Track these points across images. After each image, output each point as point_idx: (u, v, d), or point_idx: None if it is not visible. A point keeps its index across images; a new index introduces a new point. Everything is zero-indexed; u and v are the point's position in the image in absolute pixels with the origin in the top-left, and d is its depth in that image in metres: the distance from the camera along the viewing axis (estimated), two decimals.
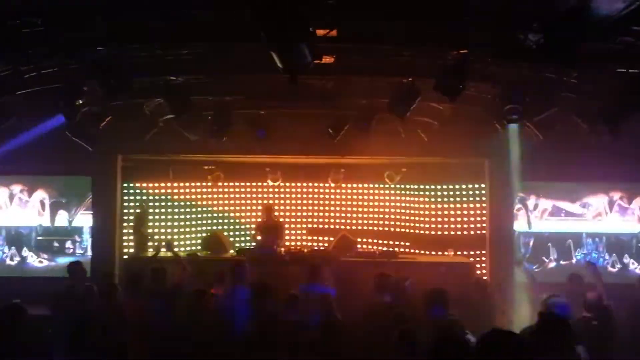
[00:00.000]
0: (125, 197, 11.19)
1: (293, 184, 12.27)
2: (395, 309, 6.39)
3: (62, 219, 10.70)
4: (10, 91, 7.07)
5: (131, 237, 10.87)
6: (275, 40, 3.71)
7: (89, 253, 10.57)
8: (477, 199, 11.11)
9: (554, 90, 6.77)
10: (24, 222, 10.68)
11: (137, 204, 11.29)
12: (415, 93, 6.38)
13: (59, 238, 10.68)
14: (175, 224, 11.67)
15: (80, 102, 6.97)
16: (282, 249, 10.23)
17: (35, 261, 10.62)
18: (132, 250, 10.76)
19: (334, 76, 6.85)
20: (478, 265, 10.65)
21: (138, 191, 11.44)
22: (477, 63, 5.94)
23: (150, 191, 11.55)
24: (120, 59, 5.77)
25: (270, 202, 11.95)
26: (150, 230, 11.01)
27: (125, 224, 11.00)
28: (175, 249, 8.80)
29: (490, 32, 5.34)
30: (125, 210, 11.14)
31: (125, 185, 11.09)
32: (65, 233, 10.70)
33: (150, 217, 11.24)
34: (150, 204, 11.45)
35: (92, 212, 10.51)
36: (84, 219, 10.68)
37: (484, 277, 9.79)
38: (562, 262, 10.59)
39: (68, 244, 10.65)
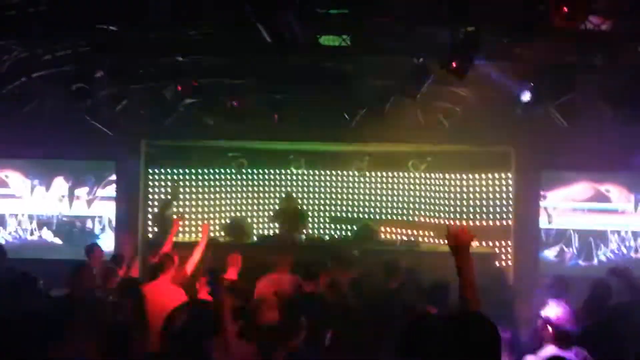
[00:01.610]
0: (150, 182, 11.31)
1: (317, 172, 12.20)
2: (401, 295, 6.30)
3: (80, 204, 10.79)
4: (27, 73, 7.20)
5: (155, 222, 11.02)
6: (259, 11, 3.62)
7: (110, 236, 10.68)
8: (503, 188, 10.83)
9: (575, 73, 6.48)
10: (44, 211, 10.81)
11: (166, 188, 11.41)
12: (426, 74, 6.20)
13: (79, 221, 10.80)
14: (199, 209, 11.75)
15: (95, 85, 7.02)
16: (303, 237, 10.19)
17: (55, 239, 10.79)
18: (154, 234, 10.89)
19: (344, 57, 6.71)
20: (503, 257, 10.40)
21: (162, 176, 11.55)
22: (489, 42, 5.72)
23: (175, 177, 11.65)
24: (125, 41, 5.78)
25: (294, 189, 11.93)
26: (175, 216, 11.08)
27: (149, 209, 11.13)
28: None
29: (501, 8, 5.14)
30: (150, 196, 11.26)
31: (149, 170, 11.21)
32: (82, 218, 10.80)
33: (175, 202, 11.33)
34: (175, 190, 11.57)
35: (115, 196, 10.61)
36: (104, 206, 10.74)
37: (506, 269, 9.52)
38: (581, 263, 10.19)
39: (88, 226, 10.77)
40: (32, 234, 10.73)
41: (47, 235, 10.71)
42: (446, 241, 3.53)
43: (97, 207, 10.73)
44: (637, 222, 9.95)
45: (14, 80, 7.32)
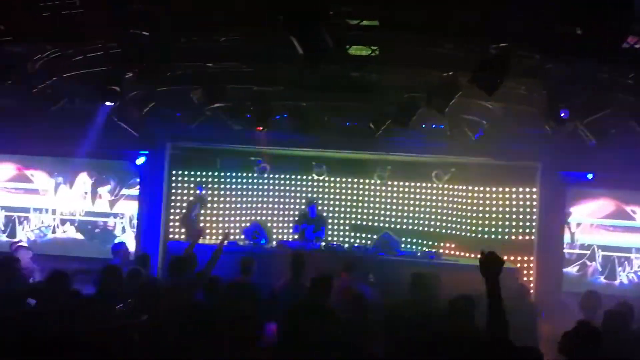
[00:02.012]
0: (173, 184, 11.39)
1: (338, 179, 12.18)
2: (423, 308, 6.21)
3: (103, 202, 10.90)
4: (58, 74, 7.29)
5: (177, 224, 11.10)
6: (292, 23, 3.62)
7: (130, 235, 10.74)
8: (527, 203, 10.69)
9: (608, 90, 6.38)
10: (68, 209, 10.94)
11: (189, 190, 11.48)
12: (455, 87, 6.14)
13: (101, 220, 10.89)
14: (221, 212, 11.81)
15: (123, 86, 7.08)
16: (322, 244, 10.15)
17: (77, 237, 10.88)
18: (177, 236, 10.96)
19: (374, 68, 6.69)
20: (525, 272, 10.27)
21: (186, 178, 11.63)
22: (523, 58, 5.67)
23: (198, 179, 11.72)
24: (157, 44, 5.81)
25: (315, 196, 11.93)
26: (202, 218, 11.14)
27: (172, 211, 11.20)
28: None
29: (533, 25, 5.07)
30: (173, 197, 11.34)
31: (173, 172, 11.28)
32: (105, 217, 10.91)
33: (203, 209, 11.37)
34: (197, 192, 11.62)
35: (138, 197, 10.70)
36: (126, 205, 10.84)
37: (525, 284, 9.36)
38: (602, 280, 9.99)
39: (110, 225, 10.87)
40: (54, 231, 10.86)
41: (70, 232, 10.82)
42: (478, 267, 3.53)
43: (120, 207, 10.84)
44: None
45: (45, 79, 7.42)
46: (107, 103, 7.03)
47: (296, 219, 11.05)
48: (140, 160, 10.42)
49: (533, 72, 6.09)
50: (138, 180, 10.74)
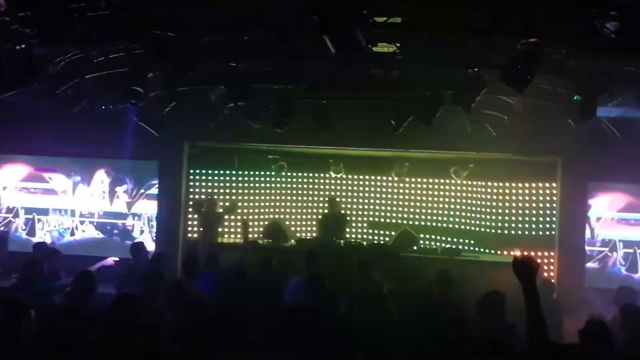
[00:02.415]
0: (191, 183, 11.41)
1: (355, 176, 12.15)
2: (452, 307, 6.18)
3: (120, 203, 10.95)
4: (80, 75, 7.31)
5: (196, 222, 11.11)
6: (327, 23, 3.60)
7: (148, 236, 10.76)
8: (547, 198, 10.63)
9: (633, 84, 6.32)
10: (87, 208, 10.99)
11: (203, 191, 11.50)
12: (481, 84, 6.11)
13: (119, 221, 10.94)
14: (239, 211, 11.81)
15: (146, 86, 7.09)
16: (342, 241, 10.12)
17: (96, 234, 10.94)
18: (196, 235, 10.97)
19: (398, 66, 6.65)
20: (545, 267, 10.22)
21: (204, 177, 11.64)
22: (550, 54, 5.61)
23: (216, 178, 11.73)
24: (181, 44, 5.81)
25: (333, 194, 11.91)
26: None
27: (190, 209, 11.22)
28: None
29: (564, 21, 5.02)
30: (191, 196, 11.36)
31: (191, 171, 11.30)
32: (123, 217, 10.96)
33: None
34: (215, 190, 11.64)
35: (157, 196, 10.73)
36: (143, 206, 10.87)
37: (549, 280, 9.31)
38: (623, 271, 9.90)
39: (128, 224, 10.91)
40: (73, 233, 10.91)
41: (89, 232, 10.88)
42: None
43: (138, 208, 10.89)
44: None
45: (67, 80, 7.43)
46: (131, 103, 7.02)
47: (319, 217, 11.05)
48: None
49: (558, 66, 6.03)
50: (155, 180, 10.78)
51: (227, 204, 11.28)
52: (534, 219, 10.74)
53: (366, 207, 12.15)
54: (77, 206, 10.96)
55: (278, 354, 4.58)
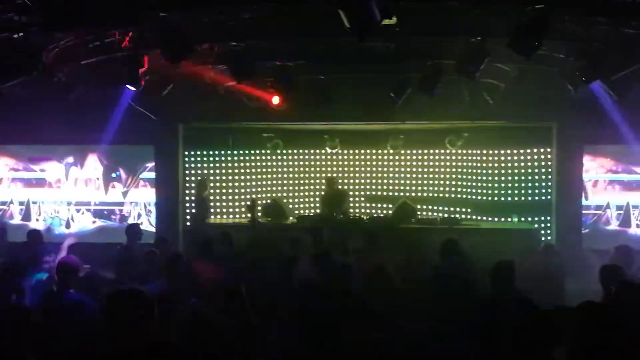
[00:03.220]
0: (187, 165, 11.34)
1: (351, 151, 12.16)
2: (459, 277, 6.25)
3: (116, 192, 10.87)
4: (75, 60, 7.18)
5: (193, 204, 11.07)
6: None
7: (146, 221, 10.71)
8: (543, 164, 10.74)
9: (634, 47, 6.36)
10: (81, 198, 10.89)
11: (199, 172, 11.45)
12: (484, 53, 6.11)
13: (116, 207, 10.88)
14: (236, 191, 11.78)
15: (144, 70, 7.00)
16: (342, 216, 10.16)
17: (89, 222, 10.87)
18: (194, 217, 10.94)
19: (399, 38, 6.61)
20: (543, 232, 10.37)
21: (199, 159, 11.57)
22: (555, 21, 5.62)
23: (211, 159, 11.67)
24: (182, 25, 5.73)
25: (330, 170, 11.91)
26: (211, 197, 11.10)
27: (187, 192, 11.17)
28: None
29: None
30: (187, 178, 11.30)
31: (186, 153, 11.23)
32: (120, 205, 10.89)
33: (212, 185, 11.32)
34: (211, 171, 11.59)
35: (155, 181, 10.67)
36: (140, 192, 10.80)
37: (551, 243, 9.46)
38: (616, 227, 10.14)
39: (125, 211, 10.85)
40: (68, 225, 10.82)
41: (85, 221, 10.79)
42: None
43: (133, 194, 10.82)
44: None
45: (62, 67, 7.31)
46: (130, 88, 6.93)
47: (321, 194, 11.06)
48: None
49: (562, 32, 6.03)
50: (149, 164, 10.71)
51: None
52: (530, 184, 10.85)
53: (363, 181, 12.16)
54: (72, 196, 10.86)
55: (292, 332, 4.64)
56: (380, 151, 12.07)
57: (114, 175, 10.81)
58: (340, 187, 11.08)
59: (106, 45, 6.86)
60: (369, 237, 7.58)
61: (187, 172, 11.30)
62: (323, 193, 11.05)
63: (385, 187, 12.07)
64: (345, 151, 12.13)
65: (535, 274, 7.27)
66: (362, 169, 12.21)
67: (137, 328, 3.12)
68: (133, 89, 7.26)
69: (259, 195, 11.91)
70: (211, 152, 11.64)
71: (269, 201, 11.14)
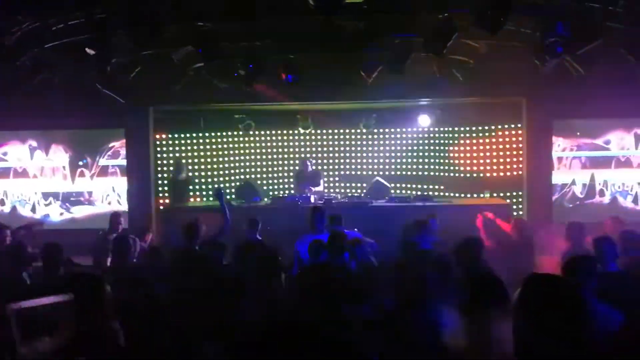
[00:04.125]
0: (159, 149, 11.23)
1: (324, 131, 12.15)
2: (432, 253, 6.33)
3: (85, 180, 10.68)
4: (39, 44, 7.03)
5: (166, 189, 10.99)
6: None
7: (115, 205, 10.57)
8: (514, 139, 10.87)
9: (599, 21, 6.42)
10: (50, 188, 10.71)
11: (171, 156, 11.35)
12: (452, 29, 6.12)
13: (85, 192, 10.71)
14: (209, 173, 11.72)
15: (109, 53, 6.88)
16: (315, 196, 10.18)
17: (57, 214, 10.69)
18: (167, 201, 10.87)
19: (366, 16, 6.59)
20: (515, 207, 10.52)
21: (171, 142, 11.46)
22: None
23: (183, 141, 11.57)
24: (147, 6, 5.63)
25: (305, 154, 11.89)
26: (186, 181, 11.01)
27: (159, 175, 11.08)
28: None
29: None
30: (159, 162, 11.19)
31: (158, 136, 11.11)
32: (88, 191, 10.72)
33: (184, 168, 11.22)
34: (183, 154, 11.50)
35: (126, 166, 10.53)
36: (107, 176, 10.67)
37: (521, 218, 9.60)
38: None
39: (94, 197, 10.70)
40: (33, 209, 10.64)
41: (53, 207, 10.62)
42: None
43: (101, 178, 10.66)
44: None
45: (26, 51, 7.15)
46: (98, 70, 6.81)
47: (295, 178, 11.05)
48: None
49: (527, 7, 6.07)
50: (113, 145, 10.55)
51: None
52: (502, 160, 10.99)
53: (337, 160, 12.18)
54: (39, 186, 10.68)
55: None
56: (353, 130, 12.09)
57: (80, 162, 10.62)
58: (313, 166, 11.06)
59: (70, 27, 6.72)
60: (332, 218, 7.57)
61: (158, 155, 11.19)
62: (296, 170, 11.05)
63: (359, 167, 12.10)
64: (319, 131, 12.11)
65: (504, 247, 7.43)
66: (336, 148, 12.22)
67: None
68: (98, 72, 7.10)
69: (232, 177, 11.88)
70: (183, 135, 11.55)
71: (241, 183, 11.12)
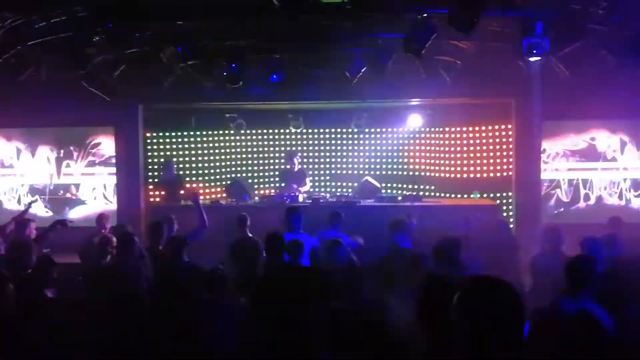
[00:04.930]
0: (149, 147, 11.24)
1: (316, 130, 12.15)
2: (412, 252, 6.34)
3: (70, 172, 10.68)
4: (22, 42, 7.06)
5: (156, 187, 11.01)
6: None
7: (101, 202, 10.62)
8: (504, 140, 10.84)
9: (580, 22, 6.40)
10: (37, 181, 10.71)
11: (161, 154, 11.36)
12: (431, 29, 6.10)
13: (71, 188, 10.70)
14: (199, 172, 11.74)
15: (92, 50, 6.90)
16: (304, 195, 10.18)
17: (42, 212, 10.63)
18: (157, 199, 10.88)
19: (348, 15, 6.58)
20: (504, 207, 10.50)
21: (162, 140, 11.48)
22: None
23: (174, 140, 11.59)
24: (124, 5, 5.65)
25: (294, 149, 11.89)
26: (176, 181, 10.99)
27: (149, 174, 11.09)
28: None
29: None
30: (150, 160, 11.21)
31: (148, 135, 11.13)
32: (75, 187, 10.71)
33: (175, 166, 11.21)
34: (174, 152, 11.51)
35: (115, 163, 10.56)
36: (95, 172, 10.64)
37: (504, 219, 9.57)
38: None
39: (80, 194, 10.68)
40: (19, 202, 10.65)
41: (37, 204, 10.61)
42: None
43: (91, 175, 10.66)
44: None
45: (9, 49, 7.17)
46: (78, 69, 6.83)
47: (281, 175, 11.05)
48: None
49: (505, 8, 6.06)
50: (97, 139, 10.55)
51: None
52: (492, 161, 10.96)
53: (328, 159, 12.18)
54: (25, 179, 10.70)
55: None
56: (344, 130, 12.09)
57: (67, 159, 10.63)
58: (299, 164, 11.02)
59: (52, 25, 6.74)
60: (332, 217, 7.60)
61: (149, 153, 11.20)
62: (282, 168, 11.04)
63: (350, 166, 12.10)
64: (310, 130, 12.12)
65: (486, 249, 7.44)
66: (327, 147, 12.22)
67: None
68: (80, 69, 7.12)
69: (223, 177, 11.88)
70: (173, 133, 11.56)
71: (231, 182, 11.11)
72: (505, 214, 10.38)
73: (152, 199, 10.97)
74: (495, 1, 5.60)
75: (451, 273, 5.31)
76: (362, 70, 8.25)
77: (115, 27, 6.07)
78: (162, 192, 10.80)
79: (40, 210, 10.50)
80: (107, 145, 10.61)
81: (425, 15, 6.09)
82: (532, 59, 6.58)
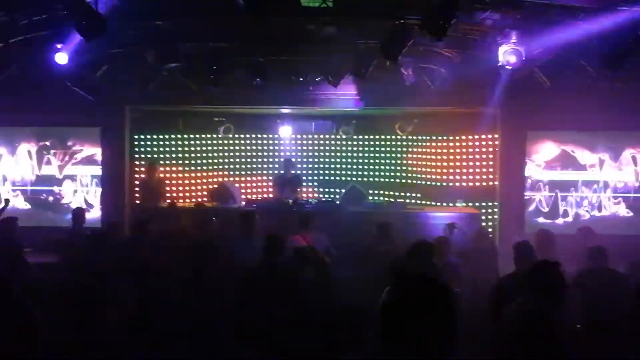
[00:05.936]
0: (136, 149, 11.24)
1: (304, 136, 12.15)
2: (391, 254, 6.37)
3: (52, 167, 10.66)
4: (4, 39, 7.08)
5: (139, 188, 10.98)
6: None
7: (83, 195, 10.62)
8: (490, 149, 10.85)
9: (557, 32, 6.43)
10: (18, 175, 10.71)
11: (148, 156, 11.34)
12: (407, 35, 6.13)
13: (50, 188, 10.69)
14: (186, 175, 11.70)
15: (74, 50, 6.92)
16: (291, 200, 10.17)
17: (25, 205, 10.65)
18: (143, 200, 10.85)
19: (329, 19, 6.62)
20: (490, 217, 10.50)
21: (149, 142, 11.46)
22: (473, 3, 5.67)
23: (161, 142, 11.57)
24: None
25: (284, 155, 11.88)
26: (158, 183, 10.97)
27: (136, 175, 11.08)
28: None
29: None
30: (137, 162, 11.19)
31: (135, 136, 11.13)
32: (57, 183, 10.70)
33: (162, 169, 11.20)
34: (162, 155, 11.49)
35: (101, 164, 10.56)
36: (77, 168, 10.64)
37: (484, 228, 9.57)
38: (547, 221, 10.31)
39: (62, 192, 10.68)
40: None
41: (19, 203, 10.59)
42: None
43: (71, 169, 10.68)
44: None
45: None
46: (59, 60, 6.85)
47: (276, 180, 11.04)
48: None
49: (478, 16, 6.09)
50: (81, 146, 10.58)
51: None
52: (477, 170, 10.96)
53: (315, 165, 12.17)
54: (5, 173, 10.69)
55: None
56: (332, 136, 12.10)
57: (49, 152, 10.63)
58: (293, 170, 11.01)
59: (34, 23, 6.77)
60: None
61: (136, 155, 11.19)
62: (280, 173, 11.03)
63: (337, 172, 12.10)
64: (298, 135, 12.12)
65: (467, 255, 7.50)
66: (315, 153, 12.21)
67: None
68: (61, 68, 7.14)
69: (211, 180, 11.85)
70: (161, 136, 11.53)
71: (216, 186, 11.09)
72: (490, 223, 10.39)
73: (137, 201, 10.93)
74: (466, 7, 5.62)
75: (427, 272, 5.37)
76: (345, 76, 8.27)
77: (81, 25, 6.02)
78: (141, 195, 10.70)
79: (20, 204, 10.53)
80: (92, 146, 10.62)
81: (402, 21, 6.12)
82: (508, 67, 6.59)
